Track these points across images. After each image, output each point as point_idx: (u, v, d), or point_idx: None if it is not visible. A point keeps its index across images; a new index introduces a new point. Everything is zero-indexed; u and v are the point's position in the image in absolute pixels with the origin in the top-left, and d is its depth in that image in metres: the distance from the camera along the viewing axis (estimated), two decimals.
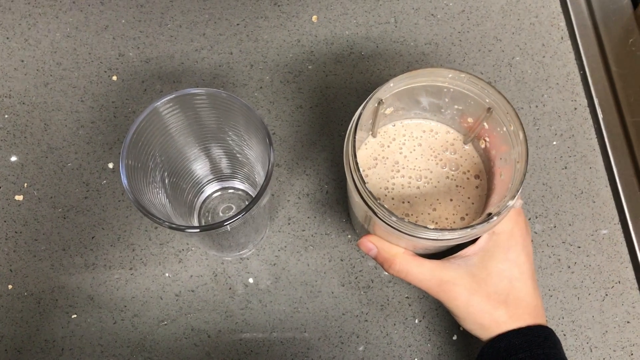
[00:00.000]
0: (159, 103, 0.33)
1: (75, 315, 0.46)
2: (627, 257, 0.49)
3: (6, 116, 0.51)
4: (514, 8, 0.57)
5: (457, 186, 0.41)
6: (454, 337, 0.46)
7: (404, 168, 0.41)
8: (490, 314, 0.37)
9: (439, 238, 0.34)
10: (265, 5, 0.56)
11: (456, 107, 0.40)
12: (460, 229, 0.34)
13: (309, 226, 0.49)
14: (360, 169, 0.35)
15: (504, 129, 0.37)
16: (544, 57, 0.55)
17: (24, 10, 0.54)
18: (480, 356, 0.38)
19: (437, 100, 0.40)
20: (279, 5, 0.56)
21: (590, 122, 0.53)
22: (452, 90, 0.38)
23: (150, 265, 0.47)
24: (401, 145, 0.42)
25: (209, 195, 0.48)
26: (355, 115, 0.37)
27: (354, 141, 0.35)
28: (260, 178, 0.42)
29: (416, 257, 0.38)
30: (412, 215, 0.40)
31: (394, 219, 0.34)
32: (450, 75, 0.37)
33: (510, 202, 0.34)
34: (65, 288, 0.46)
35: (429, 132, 0.42)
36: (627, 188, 0.50)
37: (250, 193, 0.48)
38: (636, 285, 0.48)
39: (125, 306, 0.46)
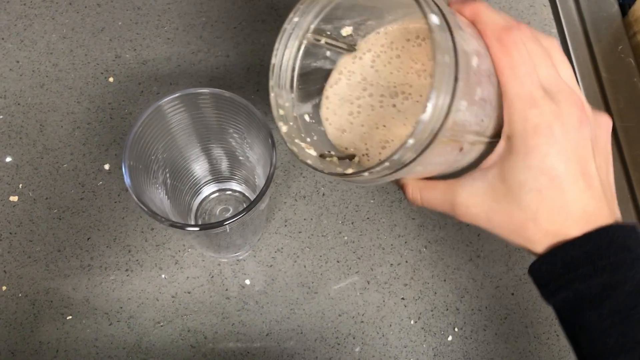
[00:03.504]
0: (163, 101, 0.34)
1: (70, 317, 0.46)
2: None
3: (1, 117, 0.50)
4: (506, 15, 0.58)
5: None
6: (449, 338, 0.47)
7: (372, 85, 0.34)
8: (519, 235, 0.30)
9: (354, 180, 0.30)
10: (262, 8, 0.56)
11: None
12: (375, 166, 0.28)
13: (305, 228, 0.49)
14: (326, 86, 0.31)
15: None
16: None
17: (19, 11, 0.54)
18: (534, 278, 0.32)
19: None
20: (275, 9, 0.56)
21: None
22: None
23: (146, 266, 0.47)
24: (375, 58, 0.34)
25: (206, 196, 0.48)
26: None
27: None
28: (259, 180, 0.42)
29: (428, 181, 0.33)
30: (392, 141, 0.33)
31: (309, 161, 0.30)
32: None
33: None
34: (60, 289, 0.46)
35: (414, 40, 0.33)
36: (618, 191, 0.51)
37: (247, 195, 0.48)
38: None
39: (121, 307, 0.46)
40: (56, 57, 0.53)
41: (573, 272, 0.29)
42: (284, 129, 0.33)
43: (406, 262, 0.49)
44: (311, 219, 0.49)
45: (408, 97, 0.33)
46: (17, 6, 0.54)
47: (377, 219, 0.50)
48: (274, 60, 0.33)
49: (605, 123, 0.32)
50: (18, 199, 0.48)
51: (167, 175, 0.41)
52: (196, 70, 0.53)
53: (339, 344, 0.46)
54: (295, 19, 0.31)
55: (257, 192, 0.35)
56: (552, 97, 0.28)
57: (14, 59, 0.52)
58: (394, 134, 0.33)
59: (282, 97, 0.33)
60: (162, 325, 0.46)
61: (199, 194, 0.47)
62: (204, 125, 0.38)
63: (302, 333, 0.46)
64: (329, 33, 0.33)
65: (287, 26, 0.32)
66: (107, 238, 0.48)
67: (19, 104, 0.51)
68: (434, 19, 0.26)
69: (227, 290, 0.47)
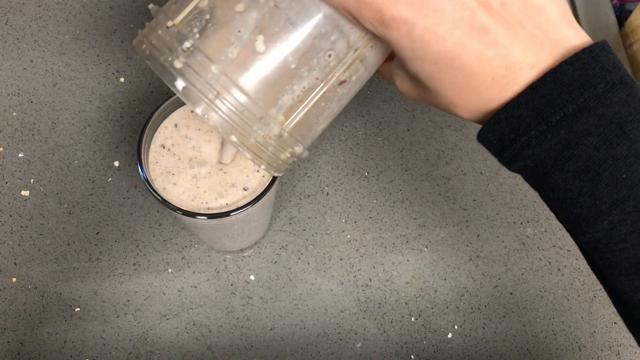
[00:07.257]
0: (176, 96, 0.35)
1: (78, 309, 0.47)
2: None
3: (14, 114, 0.52)
4: None
5: None
6: (449, 335, 0.48)
7: None
8: (453, 114, 0.27)
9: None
10: None
11: None
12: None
13: (309, 226, 0.50)
14: None
15: None
16: None
17: (34, 13, 0.56)
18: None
19: None
20: None
21: None
22: None
23: (153, 261, 0.48)
24: None
25: None
26: None
27: None
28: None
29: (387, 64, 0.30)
30: None
31: None
32: None
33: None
34: (68, 282, 0.47)
35: None
36: None
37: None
38: None
39: (128, 300, 0.47)
40: (69, 57, 0.54)
41: (524, 136, 0.24)
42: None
43: (407, 260, 0.50)
44: (315, 218, 0.50)
45: None
46: (32, 8, 0.56)
47: (380, 218, 0.51)
48: None
49: None
50: (29, 194, 0.49)
51: None
52: None
53: (341, 340, 0.47)
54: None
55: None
56: None
57: (28, 58, 0.54)
58: None
59: None
60: (168, 319, 0.47)
61: None
62: None
63: (305, 328, 0.47)
64: None
65: None
66: (115, 233, 0.49)
67: (31, 102, 0.52)
68: (178, 84, 0.25)
69: (232, 285, 0.48)
